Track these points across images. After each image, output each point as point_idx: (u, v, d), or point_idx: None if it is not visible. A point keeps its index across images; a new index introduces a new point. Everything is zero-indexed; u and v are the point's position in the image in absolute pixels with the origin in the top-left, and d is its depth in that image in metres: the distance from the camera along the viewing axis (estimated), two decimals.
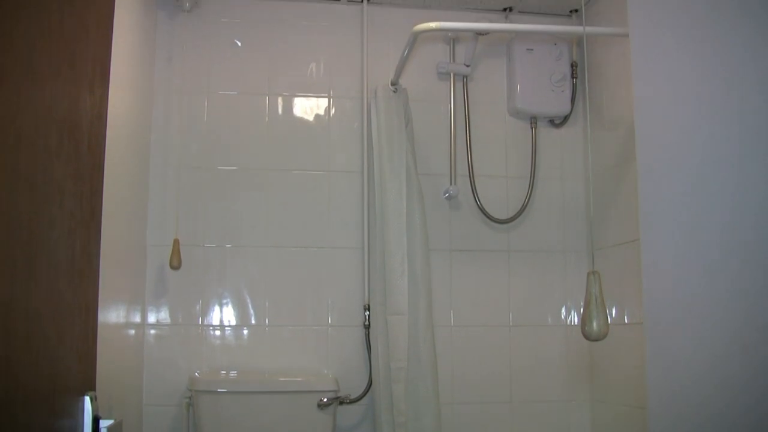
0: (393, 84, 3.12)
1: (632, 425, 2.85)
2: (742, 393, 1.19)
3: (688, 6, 1.43)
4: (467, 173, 3.24)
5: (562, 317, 3.29)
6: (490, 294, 3.24)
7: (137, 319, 2.92)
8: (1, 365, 1.01)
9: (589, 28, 3.14)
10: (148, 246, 3.04)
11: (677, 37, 1.46)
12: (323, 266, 3.15)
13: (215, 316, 3.07)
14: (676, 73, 1.45)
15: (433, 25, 2.81)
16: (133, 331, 2.85)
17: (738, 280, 1.20)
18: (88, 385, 1.38)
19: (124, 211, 2.69)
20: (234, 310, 3.09)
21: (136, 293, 2.90)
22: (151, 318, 3.03)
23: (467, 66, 3.29)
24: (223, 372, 3.02)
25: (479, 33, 3.22)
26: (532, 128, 3.33)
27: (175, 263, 2.91)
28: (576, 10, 3.40)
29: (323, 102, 3.27)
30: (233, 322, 3.08)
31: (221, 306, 3.08)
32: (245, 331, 3.09)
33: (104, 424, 1.35)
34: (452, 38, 3.34)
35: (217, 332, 3.07)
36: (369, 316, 3.09)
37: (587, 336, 1.69)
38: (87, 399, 1.32)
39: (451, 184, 3.21)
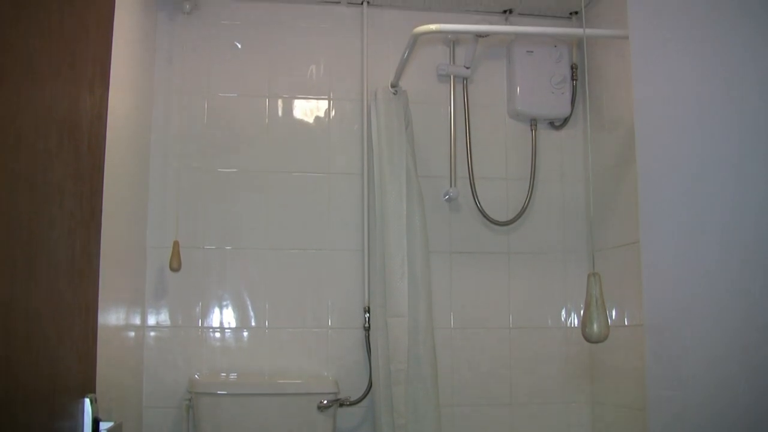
0: (393, 86, 3.12)
1: (632, 427, 2.85)
2: (741, 394, 1.18)
3: (688, 8, 1.43)
4: (467, 175, 3.24)
5: (562, 319, 3.29)
6: (490, 296, 3.24)
7: (137, 321, 2.91)
8: (1, 366, 1.01)
9: (589, 30, 3.14)
10: (148, 248, 3.04)
11: (677, 39, 1.46)
12: (323, 268, 3.15)
13: (215, 318, 3.07)
14: (676, 75, 1.45)
15: (433, 27, 2.81)
16: (132, 333, 2.85)
17: (738, 282, 1.20)
18: (88, 386, 1.38)
19: (124, 213, 2.69)
20: (234, 312, 3.09)
21: (135, 295, 2.90)
22: (151, 320, 3.03)
23: (467, 68, 3.30)
24: (223, 374, 3.01)
25: (479, 35, 3.22)
26: (532, 130, 3.33)
27: (175, 265, 2.90)
28: (576, 12, 3.40)
29: (323, 104, 3.27)
30: (233, 324, 3.08)
31: (221, 308, 3.08)
32: (245, 333, 3.09)
33: (104, 426, 1.35)
34: (452, 40, 3.34)
35: (217, 334, 3.07)
36: (369, 318, 3.09)
37: (588, 338, 1.69)
38: (87, 401, 1.32)
39: (451, 186, 3.21)
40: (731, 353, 1.22)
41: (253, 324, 3.09)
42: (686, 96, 1.42)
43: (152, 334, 3.02)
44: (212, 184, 3.14)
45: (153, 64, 3.14)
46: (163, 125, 3.14)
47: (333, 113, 3.27)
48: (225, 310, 3.08)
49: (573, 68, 3.33)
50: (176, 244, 2.92)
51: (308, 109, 3.27)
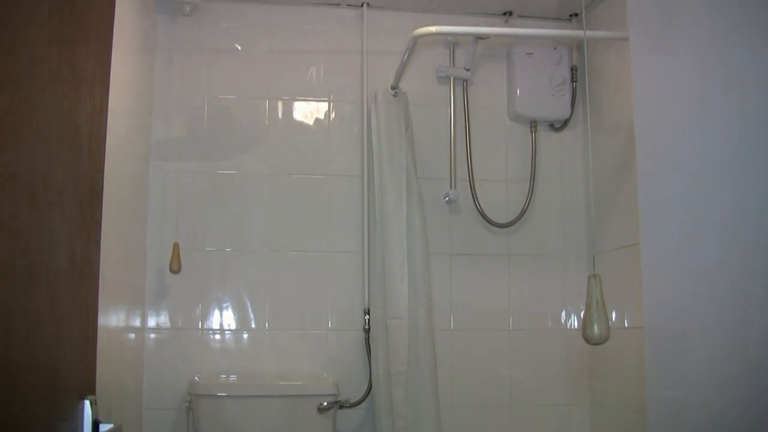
0: (393, 88, 3.12)
1: (632, 429, 2.85)
2: (741, 397, 1.18)
3: (688, 11, 1.43)
4: (467, 177, 3.24)
5: (562, 321, 3.29)
6: (490, 298, 3.24)
7: (137, 322, 2.91)
8: (1, 368, 1.01)
9: (589, 32, 3.14)
10: (148, 249, 3.03)
11: (677, 41, 1.46)
12: (323, 270, 3.15)
13: (215, 320, 3.07)
14: (676, 77, 1.45)
15: (433, 29, 2.82)
16: (132, 335, 2.85)
17: (737, 283, 1.20)
18: (87, 388, 1.38)
19: (124, 214, 2.69)
20: (234, 313, 3.08)
21: (135, 297, 2.90)
22: (151, 322, 3.03)
23: (467, 70, 3.29)
24: (223, 376, 3.01)
25: (479, 37, 3.21)
26: (531, 132, 3.33)
27: (175, 267, 2.90)
28: (576, 14, 3.40)
29: (323, 106, 3.27)
30: (233, 326, 3.08)
31: (221, 310, 3.08)
32: (245, 335, 3.09)
33: (104, 428, 1.35)
34: (452, 42, 3.34)
35: (217, 336, 3.07)
36: (369, 320, 3.09)
37: (588, 340, 1.68)
38: (87, 403, 1.32)
39: (451, 188, 3.21)
40: (731, 353, 1.22)
41: (253, 326, 3.09)
42: (686, 98, 1.42)
43: (152, 335, 3.02)
44: (212, 185, 3.14)
45: (153, 66, 3.14)
46: (163, 127, 3.14)
47: (333, 115, 3.27)
48: (225, 312, 3.08)
49: (573, 70, 3.34)
50: (176, 246, 2.92)
51: (308, 111, 3.27)
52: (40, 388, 1.17)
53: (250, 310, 3.09)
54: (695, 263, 1.33)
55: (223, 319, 3.07)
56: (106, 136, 1.51)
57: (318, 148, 3.23)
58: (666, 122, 1.48)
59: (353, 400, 3.01)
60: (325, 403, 2.85)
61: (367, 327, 3.09)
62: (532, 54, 3.32)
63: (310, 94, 3.27)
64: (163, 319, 3.04)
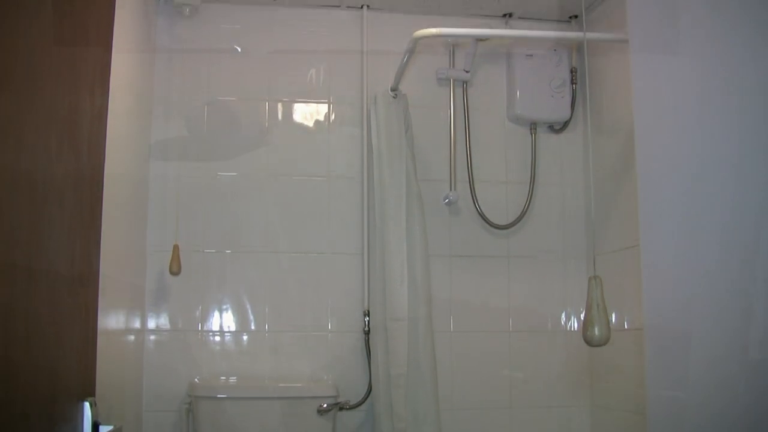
0: (393, 90, 3.12)
1: (632, 430, 2.85)
2: (741, 399, 1.18)
3: (688, 11, 1.43)
4: (467, 179, 3.24)
5: (562, 323, 3.29)
6: (490, 300, 3.24)
7: (137, 324, 2.91)
8: (0, 370, 1.01)
9: (589, 34, 3.14)
10: (148, 251, 3.03)
11: (677, 42, 1.46)
12: (323, 272, 3.15)
13: (215, 322, 3.07)
14: (676, 79, 1.46)
15: (433, 31, 2.82)
16: (132, 337, 2.85)
17: (737, 283, 1.20)
18: (87, 390, 1.38)
19: (124, 216, 2.69)
20: (234, 315, 3.08)
21: (135, 299, 2.90)
22: (151, 323, 3.03)
23: (467, 72, 3.30)
24: (222, 378, 3.01)
25: (479, 39, 3.22)
26: (531, 134, 3.33)
27: (175, 269, 2.90)
28: (575, 16, 3.40)
29: (323, 108, 3.27)
30: (233, 328, 3.08)
31: (221, 311, 3.08)
32: (245, 337, 3.09)
33: (104, 429, 1.35)
34: (452, 44, 3.34)
35: (217, 338, 3.07)
36: (369, 321, 3.09)
37: (589, 341, 1.68)
38: (86, 404, 1.32)
39: (450, 189, 3.21)
40: (731, 353, 1.22)
41: (253, 327, 3.09)
42: (686, 99, 1.42)
43: (152, 337, 3.02)
44: (212, 187, 3.14)
45: (153, 67, 3.14)
46: (163, 129, 3.14)
47: (333, 117, 3.27)
48: (225, 314, 3.08)
49: (572, 72, 3.34)
50: (176, 248, 2.92)
51: (308, 113, 3.27)
52: (40, 389, 1.17)
53: (250, 311, 3.09)
54: (695, 264, 1.33)
55: (223, 320, 3.07)
56: (106, 137, 1.51)
57: (318, 149, 3.23)
58: (666, 123, 1.48)
59: (353, 401, 3.01)
60: (325, 405, 2.85)
61: (366, 329, 3.09)
62: (531, 56, 3.32)
63: (310, 95, 3.27)
64: (163, 321, 3.04)
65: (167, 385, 2.97)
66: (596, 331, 1.68)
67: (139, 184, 2.95)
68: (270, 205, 3.16)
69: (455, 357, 3.17)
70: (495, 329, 3.23)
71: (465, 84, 3.32)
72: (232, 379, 3.00)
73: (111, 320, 2.49)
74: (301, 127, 3.25)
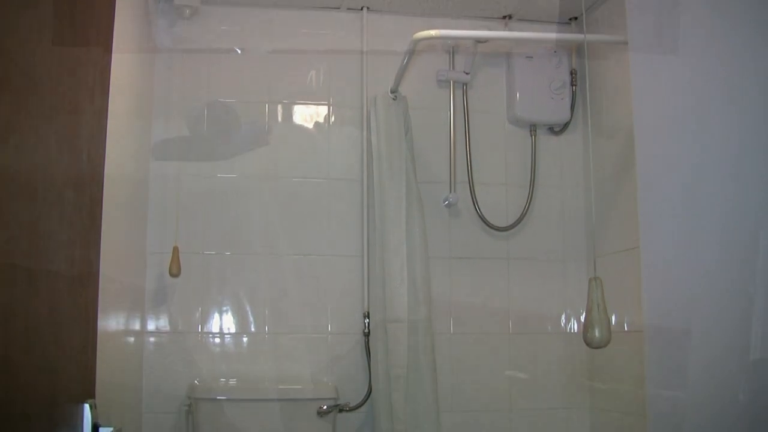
0: (392, 92, 3.12)
1: None
2: (741, 401, 1.18)
3: (687, 13, 1.43)
4: (467, 181, 3.24)
5: (562, 324, 3.29)
6: (489, 301, 3.24)
7: (137, 326, 2.91)
8: (0, 371, 1.01)
9: (589, 36, 3.15)
10: (148, 253, 3.03)
11: (676, 43, 1.46)
12: (323, 274, 3.15)
13: (215, 324, 3.07)
14: (675, 81, 1.46)
15: (432, 33, 2.82)
16: (132, 339, 2.85)
17: (737, 283, 1.20)
18: (87, 392, 1.37)
19: (124, 218, 2.69)
20: (233, 317, 3.08)
21: (135, 301, 2.90)
22: (151, 325, 3.02)
23: (467, 74, 3.30)
24: (222, 379, 3.01)
25: (479, 41, 3.22)
26: (531, 136, 3.33)
27: (175, 271, 2.90)
28: (575, 18, 3.40)
29: (323, 110, 3.27)
30: (233, 330, 3.08)
31: (221, 313, 3.08)
32: (245, 339, 3.08)
33: (104, 431, 1.35)
34: (452, 46, 3.34)
35: (217, 340, 3.07)
36: (369, 323, 3.08)
37: (589, 343, 1.69)
38: (86, 406, 1.31)
39: (450, 191, 3.21)
40: (731, 353, 1.22)
41: (252, 329, 3.08)
42: (685, 100, 1.42)
43: (152, 339, 3.02)
44: (212, 189, 3.14)
45: (153, 69, 3.14)
46: (163, 130, 3.14)
47: (332, 119, 3.27)
48: (225, 316, 3.08)
49: (572, 74, 3.34)
50: (176, 250, 2.92)
51: (308, 115, 3.27)
52: (40, 390, 1.17)
53: (249, 313, 3.08)
54: (695, 264, 1.33)
55: (223, 322, 3.07)
56: (105, 140, 1.51)
57: (318, 151, 3.23)
58: (665, 125, 1.48)
59: (353, 403, 3.01)
60: (325, 407, 2.85)
61: (366, 330, 3.09)
62: (531, 57, 3.32)
63: (309, 97, 3.27)
64: (163, 323, 3.03)
65: (167, 386, 2.96)
66: (597, 332, 1.68)
67: (138, 185, 2.95)
68: (270, 207, 3.16)
69: (455, 359, 3.16)
70: (495, 331, 3.23)
71: (465, 86, 3.32)
72: (232, 381, 3.00)
73: (111, 322, 2.49)
74: (301, 129, 3.25)
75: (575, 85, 3.33)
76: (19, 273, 1.07)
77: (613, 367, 3.04)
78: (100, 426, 1.34)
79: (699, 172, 1.35)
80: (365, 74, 3.27)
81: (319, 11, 3.30)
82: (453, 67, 3.33)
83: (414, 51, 2.87)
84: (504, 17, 3.38)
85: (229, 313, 3.08)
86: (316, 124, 3.26)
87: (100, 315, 1.47)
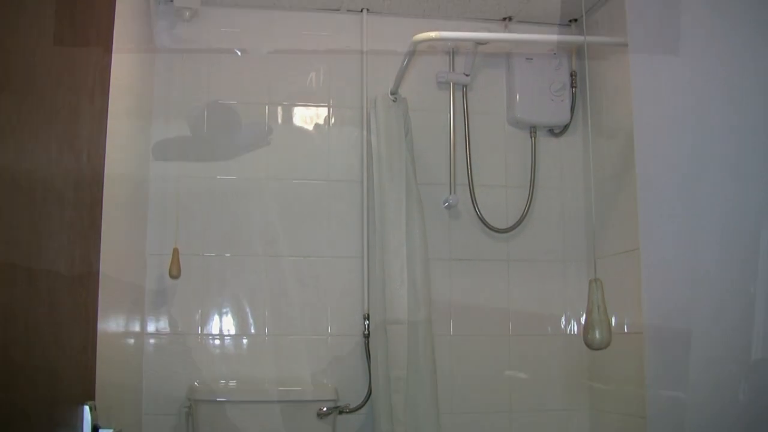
0: (392, 93, 3.13)
1: None
2: (741, 401, 1.18)
3: (687, 14, 1.43)
4: (467, 182, 3.24)
5: (562, 326, 3.29)
6: (489, 303, 3.24)
7: (137, 328, 2.91)
8: (0, 373, 1.00)
9: (589, 38, 3.15)
10: (148, 255, 3.03)
11: (676, 45, 1.46)
12: (323, 275, 3.15)
13: (215, 326, 3.07)
14: (675, 82, 1.46)
15: (432, 34, 2.82)
16: (132, 340, 2.84)
17: (737, 284, 1.20)
18: (87, 394, 1.37)
19: (124, 220, 2.69)
20: (233, 319, 3.08)
21: (135, 302, 2.90)
22: (151, 327, 3.02)
23: (467, 75, 3.30)
24: (222, 381, 3.01)
25: (479, 42, 3.22)
26: (531, 137, 3.33)
27: (175, 272, 2.90)
28: (575, 20, 3.40)
29: (323, 111, 3.27)
30: (233, 332, 3.08)
31: (221, 315, 3.08)
32: (245, 341, 3.08)
33: None
34: (452, 48, 3.34)
35: (217, 341, 3.06)
36: (368, 325, 3.08)
37: (590, 345, 1.68)
38: (86, 408, 1.31)
39: (450, 193, 3.21)
40: (731, 354, 1.22)
41: (252, 331, 3.08)
42: (685, 102, 1.42)
43: (152, 341, 3.02)
44: (212, 191, 3.14)
45: (153, 69, 3.14)
46: (163, 133, 3.14)
47: (333, 120, 3.27)
48: (225, 317, 3.08)
49: (572, 75, 3.34)
50: (176, 251, 2.92)
51: (308, 117, 3.27)
52: (40, 392, 1.17)
53: (249, 315, 3.08)
54: (695, 265, 1.33)
55: (223, 324, 3.07)
56: (106, 142, 1.51)
57: (318, 153, 3.23)
58: (665, 127, 1.48)
59: (353, 405, 3.01)
60: (325, 409, 2.85)
61: (366, 332, 3.09)
62: (531, 59, 3.32)
63: (309, 99, 3.27)
64: (163, 324, 3.03)
65: (167, 388, 2.96)
66: (597, 334, 1.68)
67: (138, 186, 2.95)
68: (269, 209, 3.15)
69: (455, 360, 3.16)
70: (495, 333, 3.23)
71: (465, 87, 3.32)
72: (232, 383, 3.00)
73: (111, 323, 2.49)
74: (301, 130, 3.25)
75: (575, 87, 3.33)
76: (19, 273, 1.07)
77: (613, 369, 3.04)
78: (100, 428, 1.34)
79: (699, 173, 1.35)
80: (365, 76, 3.27)
81: (318, 13, 3.31)
82: (453, 69, 3.34)
83: (414, 53, 2.87)
84: (504, 19, 3.38)
85: (229, 315, 3.08)
86: (316, 125, 3.26)
87: (100, 316, 1.47)
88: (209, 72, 3.21)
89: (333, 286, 3.15)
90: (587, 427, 3.21)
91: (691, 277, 1.34)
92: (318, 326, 3.12)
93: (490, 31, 3.34)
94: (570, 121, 3.34)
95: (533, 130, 3.33)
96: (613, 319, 2.95)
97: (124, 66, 2.58)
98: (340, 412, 2.94)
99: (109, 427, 1.37)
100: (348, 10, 3.32)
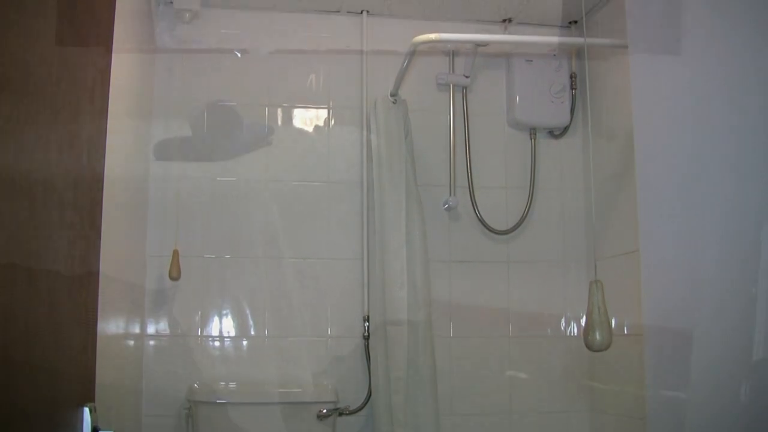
0: (392, 95, 3.13)
1: None
2: (742, 402, 1.18)
3: (687, 15, 1.43)
4: (467, 184, 3.24)
5: (562, 328, 3.28)
6: (489, 305, 3.23)
7: (136, 329, 2.90)
8: (0, 375, 1.00)
9: (589, 39, 3.15)
10: (148, 257, 3.03)
11: (676, 46, 1.46)
12: (323, 277, 3.15)
13: (215, 327, 3.07)
14: (675, 84, 1.46)
15: (432, 36, 2.82)
16: (132, 342, 2.84)
17: (737, 284, 1.20)
18: (87, 395, 1.37)
19: (124, 221, 2.68)
20: (233, 320, 3.08)
21: (135, 304, 2.89)
22: (151, 329, 3.02)
23: (466, 77, 3.30)
24: (222, 383, 3.00)
25: (478, 44, 3.22)
26: (531, 139, 3.33)
27: (175, 274, 2.90)
28: (575, 22, 3.41)
29: (323, 113, 3.27)
30: (232, 333, 3.07)
31: (220, 317, 3.07)
32: (245, 342, 3.08)
33: None
34: (451, 49, 3.35)
35: (217, 343, 3.06)
36: (368, 327, 3.08)
37: (590, 346, 1.68)
38: (86, 410, 1.31)
39: (450, 195, 3.21)
40: (732, 354, 1.22)
41: (252, 333, 3.08)
42: (685, 103, 1.42)
43: (152, 342, 3.01)
44: (212, 192, 3.13)
45: (153, 70, 3.14)
46: (163, 134, 3.14)
47: (332, 122, 3.27)
48: (224, 319, 3.07)
49: (572, 77, 3.34)
50: (176, 253, 2.92)
51: (308, 118, 3.27)
52: (40, 394, 1.16)
53: (249, 317, 3.08)
54: (695, 266, 1.33)
55: (223, 325, 3.07)
56: (105, 143, 1.51)
57: (318, 154, 3.23)
58: (665, 128, 1.48)
59: (353, 407, 3.01)
60: (325, 410, 2.85)
61: (366, 334, 3.09)
62: (531, 61, 3.33)
63: (309, 101, 3.27)
64: (163, 326, 3.03)
65: (167, 390, 2.96)
66: (597, 335, 1.68)
67: (139, 190, 2.95)
68: (269, 210, 3.15)
69: (455, 362, 3.16)
70: (495, 334, 3.22)
71: (465, 89, 3.32)
72: (232, 384, 3.00)
73: (111, 325, 2.48)
74: (301, 132, 3.25)
75: (575, 89, 3.33)
76: (19, 273, 1.07)
77: (613, 370, 3.04)
78: (100, 429, 1.33)
79: (699, 174, 1.35)
80: (365, 77, 3.28)
81: (319, 14, 3.31)
82: (453, 71, 3.34)
83: (414, 54, 2.87)
84: (504, 21, 3.39)
85: (229, 316, 3.08)
86: (316, 127, 3.26)
87: (100, 318, 1.47)
88: (209, 73, 3.21)
89: (333, 287, 3.15)
90: (587, 428, 3.21)
91: (691, 278, 1.34)
92: (318, 327, 3.12)
93: (490, 32, 3.34)
94: (570, 123, 3.34)
95: (533, 131, 3.33)
96: (614, 321, 2.96)
97: (124, 66, 2.58)
98: (340, 414, 2.94)
99: (109, 429, 1.37)
100: (348, 12, 3.32)
